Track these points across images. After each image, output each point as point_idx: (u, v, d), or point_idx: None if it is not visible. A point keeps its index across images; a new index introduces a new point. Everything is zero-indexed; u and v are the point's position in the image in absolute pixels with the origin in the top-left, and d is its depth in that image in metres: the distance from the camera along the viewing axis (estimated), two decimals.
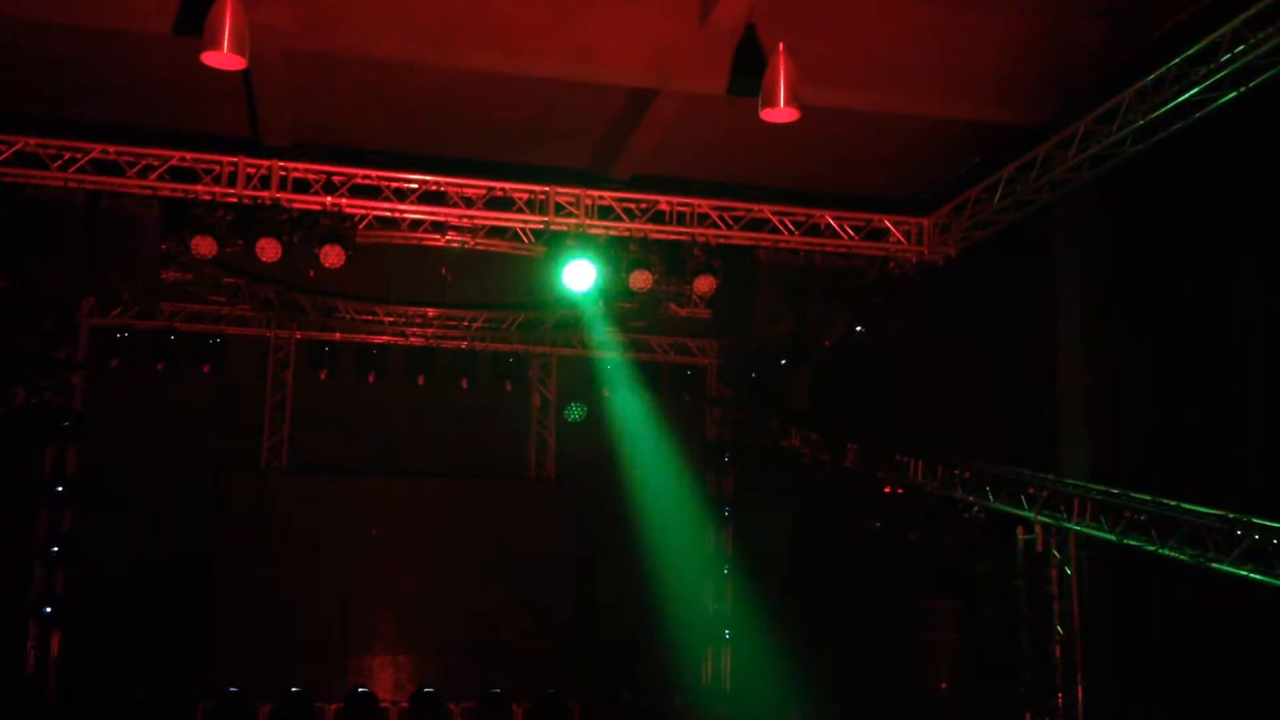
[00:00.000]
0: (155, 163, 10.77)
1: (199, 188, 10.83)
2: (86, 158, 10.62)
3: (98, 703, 13.93)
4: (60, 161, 10.56)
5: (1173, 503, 8.87)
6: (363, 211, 11.40)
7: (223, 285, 13.97)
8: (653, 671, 15.61)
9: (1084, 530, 9.88)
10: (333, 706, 14.71)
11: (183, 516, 15.01)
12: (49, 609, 14.60)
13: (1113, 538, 9.44)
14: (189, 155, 10.84)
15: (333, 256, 11.25)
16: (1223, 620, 9.14)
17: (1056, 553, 10.29)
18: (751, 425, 16.20)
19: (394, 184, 11.31)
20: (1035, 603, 10.39)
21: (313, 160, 11.22)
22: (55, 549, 14.72)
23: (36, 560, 14.74)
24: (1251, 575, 8.16)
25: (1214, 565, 8.46)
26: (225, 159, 10.89)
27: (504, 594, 15.68)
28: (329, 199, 11.15)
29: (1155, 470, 9.78)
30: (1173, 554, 8.79)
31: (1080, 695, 10.09)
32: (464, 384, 16.01)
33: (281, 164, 11.04)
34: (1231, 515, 8.34)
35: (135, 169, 10.73)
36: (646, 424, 16.31)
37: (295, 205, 11.11)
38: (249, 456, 15.92)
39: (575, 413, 14.58)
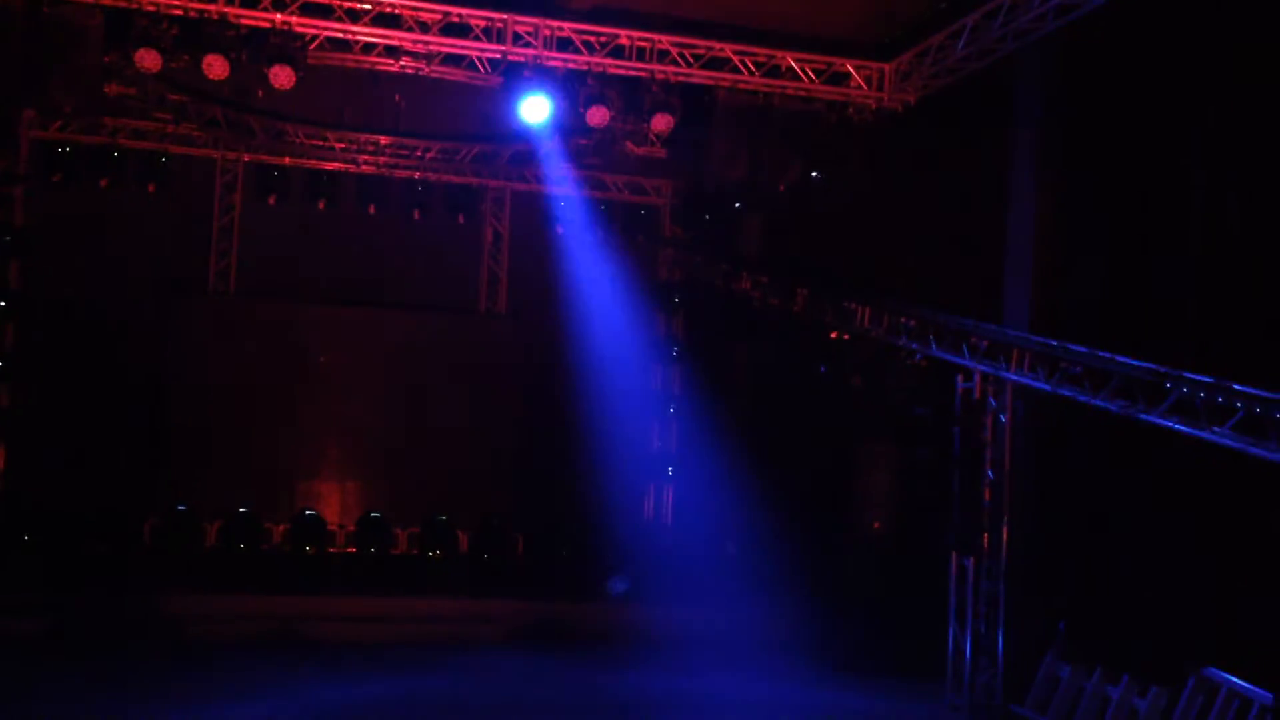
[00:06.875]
0: None
1: None
2: None
3: (44, 518, 13.99)
4: None
5: (1107, 355, 9.07)
6: (314, 31, 11.09)
7: (167, 102, 13.55)
8: (595, 504, 15.96)
9: (1020, 380, 10.12)
10: (280, 527, 14.98)
11: (131, 337, 14.99)
12: None
13: (1048, 388, 9.69)
14: None
15: (282, 77, 10.94)
16: (1144, 472, 9.52)
17: (993, 400, 10.55)
18: (703, 267, 16.25)
19: (347, 2, 10.97)
20: (969, 448, 10.68)
21: None
22: None
23: None
24: (1177, 427, 8.45)
25: (1143, 416, 8.72)
26: None
27: (451, 425, 15.92)
28: (279, 16, 10.81)
29: (1095, 325, 9.99)
30: (1105, 404, 9.04)
31: (1005, 536, 10.49)
32: (416, 215, 15.84)
33: None
34: (1163, 369, 8.56)
35: None
36: (598, 262, 16.30)
37: (244, 21, 10.77)
38: (196, 279, 15.79)
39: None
